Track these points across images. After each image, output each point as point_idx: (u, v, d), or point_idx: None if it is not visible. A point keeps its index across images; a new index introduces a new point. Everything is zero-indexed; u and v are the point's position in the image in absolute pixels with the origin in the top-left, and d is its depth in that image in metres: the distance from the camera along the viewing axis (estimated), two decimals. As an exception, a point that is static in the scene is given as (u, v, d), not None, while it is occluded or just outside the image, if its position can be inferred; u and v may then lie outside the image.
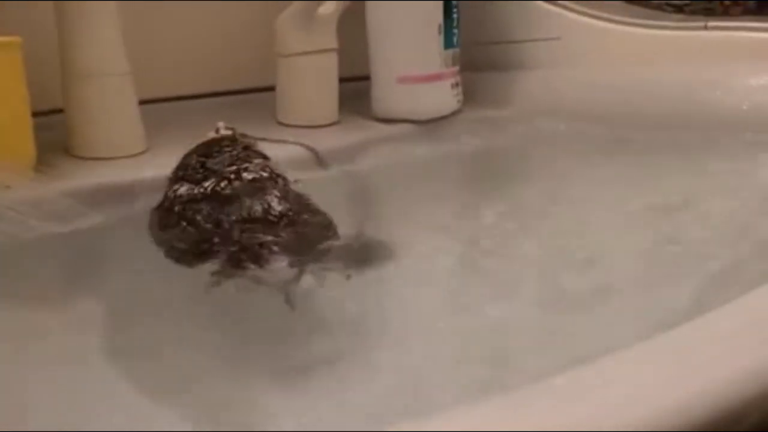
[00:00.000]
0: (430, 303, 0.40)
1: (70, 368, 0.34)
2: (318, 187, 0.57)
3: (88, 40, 0.55)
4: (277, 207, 0.39)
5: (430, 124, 0.69)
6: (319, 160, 0.59)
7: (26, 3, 0.58)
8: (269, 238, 0.37)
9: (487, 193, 0.59)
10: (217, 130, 0.62)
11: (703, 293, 0.37)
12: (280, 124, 0.67)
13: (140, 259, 0.47)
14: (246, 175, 0.42)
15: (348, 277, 0.36)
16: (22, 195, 0.48)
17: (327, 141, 0.62)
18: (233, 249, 0.37)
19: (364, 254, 0.44)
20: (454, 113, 0.71)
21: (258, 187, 0.41)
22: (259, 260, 0.35)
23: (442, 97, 0.70)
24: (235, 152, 0.44)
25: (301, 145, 0.60)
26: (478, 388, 0.31)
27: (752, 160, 0.57)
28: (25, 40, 0.51)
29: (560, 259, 0.44)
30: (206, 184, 0.41)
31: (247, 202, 0.40)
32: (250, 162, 0.43)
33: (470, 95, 0.73)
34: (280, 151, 0.59)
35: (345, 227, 0.48)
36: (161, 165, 0.55)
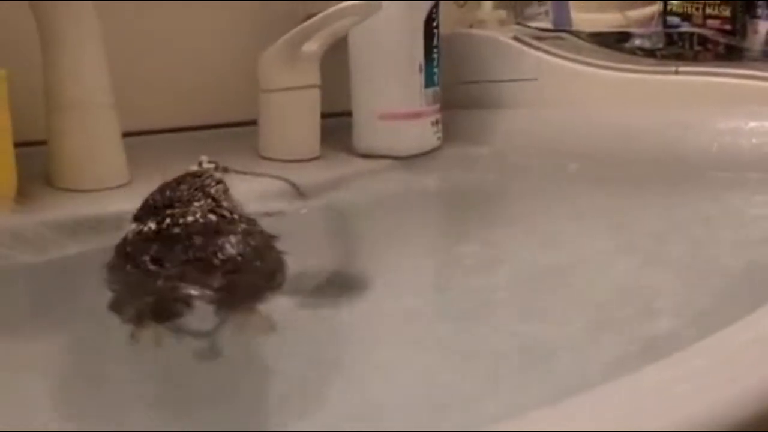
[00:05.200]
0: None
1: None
2: (296, 221, 0.57)
3: (72, 71, 0.55)
4: (230, 250, 0.37)
5: (410, 161, 0.70)
6: (299, 193, 0.60)
7: (11, 34, 0.59)
8: (194, 291, 0.34)
9: (461, 229, 0.60)
10: (200, 164, 0.63)
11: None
12: (263, 158, 0.68)
13: (88, 298, 0.46)
14: (190, 218, 0.39)
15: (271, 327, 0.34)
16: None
17: (308, 175, 0.63)
18: (149, 300, 0.35)
19: (333, 288, 0.44)
20: (433, 150, 0.72)
21: (215, 229, 0.39)
22: (169, 316, 0.34)
23: (423, 134, 0.72)
24: (192, 190, 0.42)
25: (282, 179, 0.60)
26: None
27: (721, 197, 0.59)
28: (8, 71, 0.51)
29: (532, 293, 0.45)
30: (151, 223, 0.39)
31: (198, 242, 0.37)
32: (199, 202, 0.41)
33: (450, 133, 0.74)
34: (262, 185, 0.60)
35: (317, 260, 0.49)
36: (143, 197, 0.56)
